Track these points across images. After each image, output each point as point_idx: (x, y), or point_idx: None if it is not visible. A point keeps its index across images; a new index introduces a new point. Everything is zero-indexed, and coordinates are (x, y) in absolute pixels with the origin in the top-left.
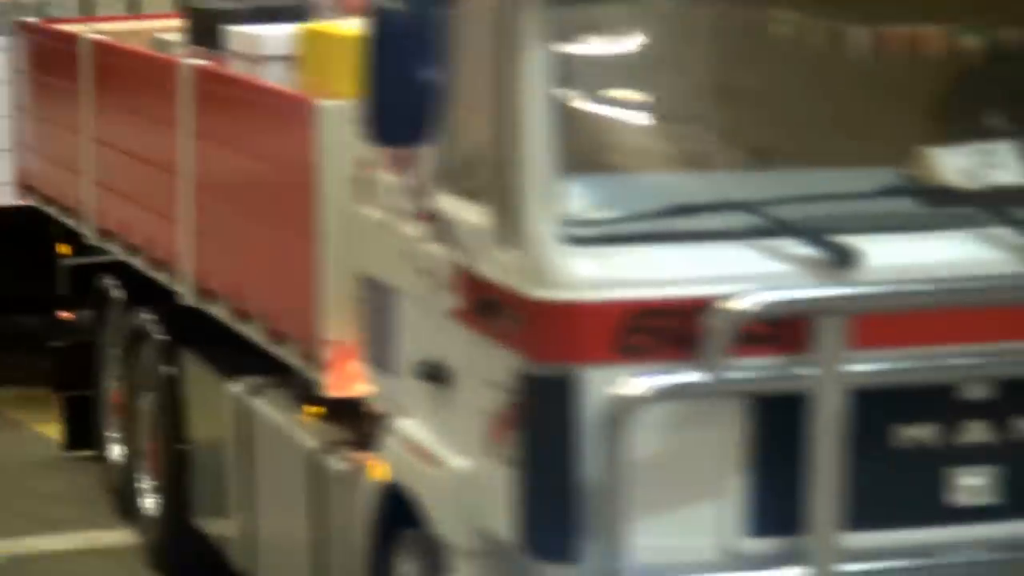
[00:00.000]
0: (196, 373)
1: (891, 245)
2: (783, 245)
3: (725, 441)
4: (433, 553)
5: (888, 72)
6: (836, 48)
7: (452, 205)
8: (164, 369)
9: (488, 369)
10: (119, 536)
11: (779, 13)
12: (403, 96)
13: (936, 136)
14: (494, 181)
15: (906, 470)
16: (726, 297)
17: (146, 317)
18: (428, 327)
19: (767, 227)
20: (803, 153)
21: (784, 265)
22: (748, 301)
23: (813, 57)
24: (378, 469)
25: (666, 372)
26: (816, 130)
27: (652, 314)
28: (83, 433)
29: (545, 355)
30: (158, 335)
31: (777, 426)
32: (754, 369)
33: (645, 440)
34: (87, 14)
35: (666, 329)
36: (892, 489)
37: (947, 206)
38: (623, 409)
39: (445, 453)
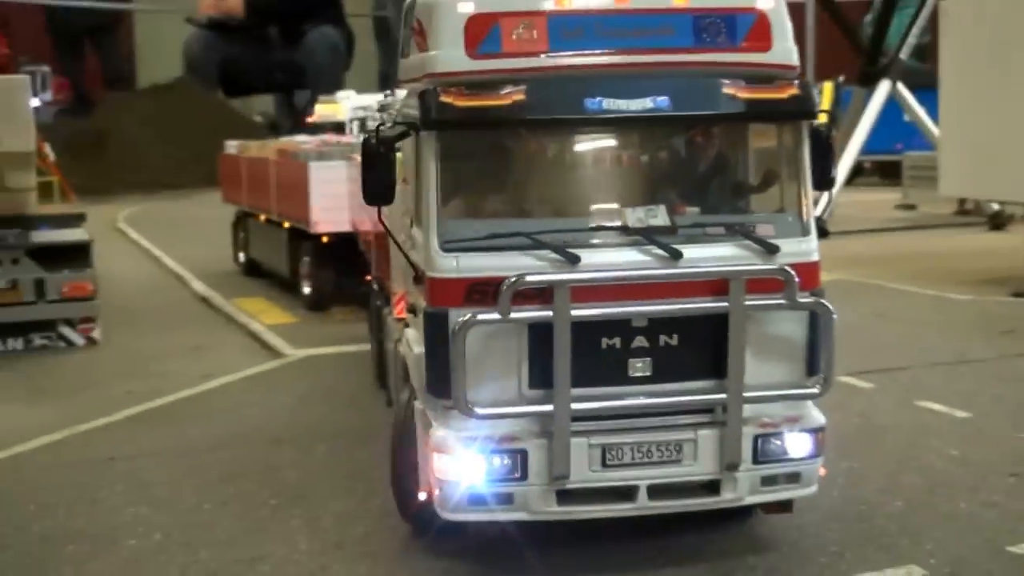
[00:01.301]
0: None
1: (597, 254)
2: (546, 254)
3: (520, 343)
4: (412, 391)
5: (617, 173)
6: (591, 160)
7: (414, 231)
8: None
9: (422, 308)
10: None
11: (561, 143)
12: (379, 184)
13: (634, 201)
14: (420, 220)
15: (610, 358)
16: (507, 278)
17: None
18: (410, 287)
19: (538, 245)
20: (567, 211)
21: (541, 262)
22: (513, 280)
23: (578, 166)
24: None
25: (481, 312)
26: (576, 200)
27: (480, 285)
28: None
29: (433, 302)
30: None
31: (541, 338)
32: (525, 311)
33: (484, 342)
34: None
35: (486, 292)
36: (603, 368)
37: (627, 235)
38: (459, 328)
39: (415, 345)
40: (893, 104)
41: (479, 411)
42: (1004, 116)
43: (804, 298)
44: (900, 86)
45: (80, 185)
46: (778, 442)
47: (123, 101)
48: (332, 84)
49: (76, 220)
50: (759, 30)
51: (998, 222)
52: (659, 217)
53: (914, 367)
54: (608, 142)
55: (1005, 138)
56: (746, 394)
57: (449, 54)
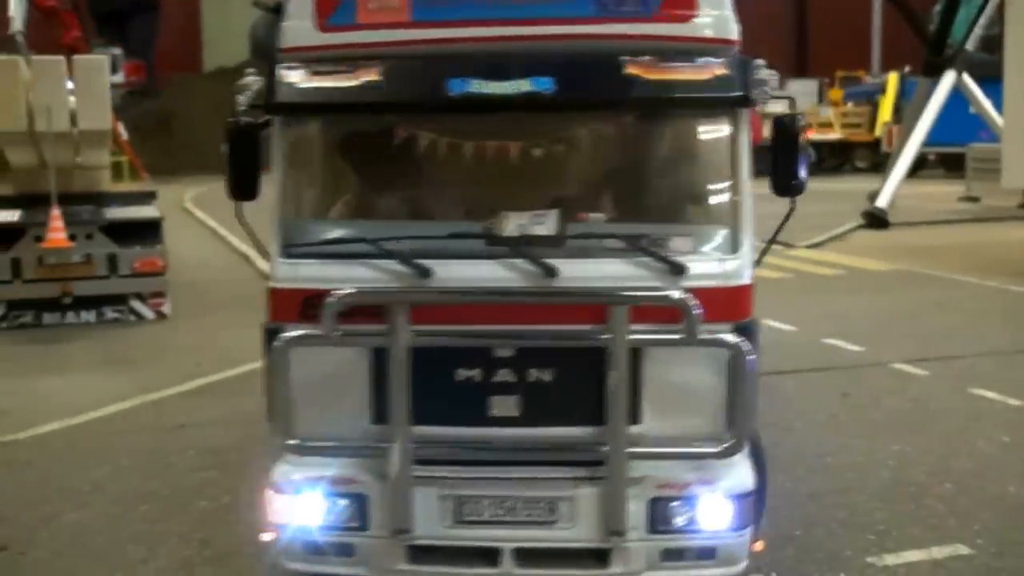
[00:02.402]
0: None
1: (457, 267)
2: (390, 264)
3: (359, 368)
4: None
5: (499, 171)
6: (467, 154)
7: None
8: None
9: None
10: None
11: (427, 133)
12: (239, 176)
13: (519, 205)
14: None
15: (467, 395)
16: (334, 292)
17: None
18: None
19: (385, 254)
20: (435, 215)
21: (380, 275)
22: (334, 297)
23: (450, 161)
24: None
25: (308, 329)
26: (447, 202)
27: (315, 299)
28: None
29: (271, 317)
30: None
31: (381, 362)
32: (358, 332)
33: (325, 366)
34: None
35: (318, 306)
36: (458, 405)
37: (494, 246)
38: (278, 347)
39: None
40: (960, 97)
41: (293, 443)
42: None
43: (723, 331)
44: (966, 77)
45: (148, 165)
46: (684, 509)
47: (190, 84)
48: None
49: (148, 198)
50: None
51: None
52: (545, 225)
53: (970, 356)
54: (487, 133)
55: None
56: (631, 449)
57: (298, 26)
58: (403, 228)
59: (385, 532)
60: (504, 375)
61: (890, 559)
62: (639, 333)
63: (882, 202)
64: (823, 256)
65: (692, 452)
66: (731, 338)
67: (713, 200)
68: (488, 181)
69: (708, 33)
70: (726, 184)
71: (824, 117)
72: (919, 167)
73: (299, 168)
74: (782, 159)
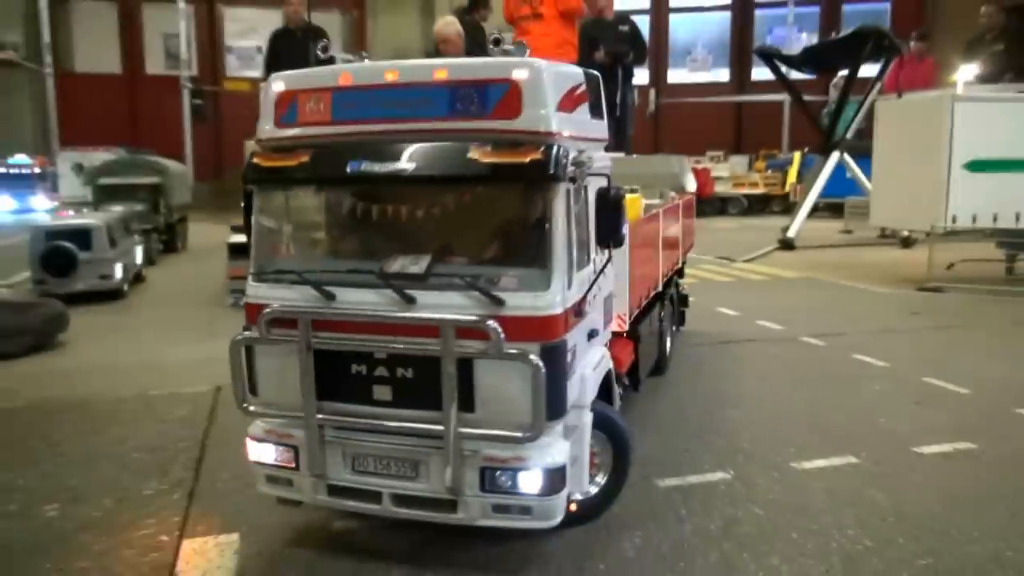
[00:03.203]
0: None
1: (353, 293)
2: (308, 289)
3: (293, 360)
4: None
5: (392, 226)
6: (371, 213)
7: None
8: None
9: None
10: None
11: (341, 198)
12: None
13: (404, 251)
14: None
15: (359, 383)
16: (268, 308)
17: None
18: None
19: (306, 282)
20: (349, 256)
21: (302, 297)
22: (267, 311)
23: (360, 218)
24: None
25: (248, 333)
26: (357, 247)
27: (262, 312)
28: None
29: (247, 320)
30: None
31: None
32: (282, 335)
33: (273, 358)
34: None
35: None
36: (354, 390)
37: (382, 279)
38: (234, 344)
39: None
40: (841, 167)
41: (250, 409)
42: (910, 177)
43: (532, 350)
44: (847, 156)
45: None
46: (505, 477)
47: None
48: None
49: None
50: (510, 99)
51: (906, 243)
52: (417, 265)
53: (852, 333)
54: (382, 198)
55: (910, 189)
56: (461, 429)
57: (265, 123)
58: (325, 264)
59: (309, 473)
60: (381, 371)
61: (806, 464)
62: (469, 347)
63: (791, 233)
64: (754, 267)
65: (503, 436)
66: (528, 354)
67: (533, 250)
68: (386, 232)
69: (529, 127)
70: (543, 238)
71: (752, 178)
72: (814, 211)
73: (265, 220)
74: (605, 220)
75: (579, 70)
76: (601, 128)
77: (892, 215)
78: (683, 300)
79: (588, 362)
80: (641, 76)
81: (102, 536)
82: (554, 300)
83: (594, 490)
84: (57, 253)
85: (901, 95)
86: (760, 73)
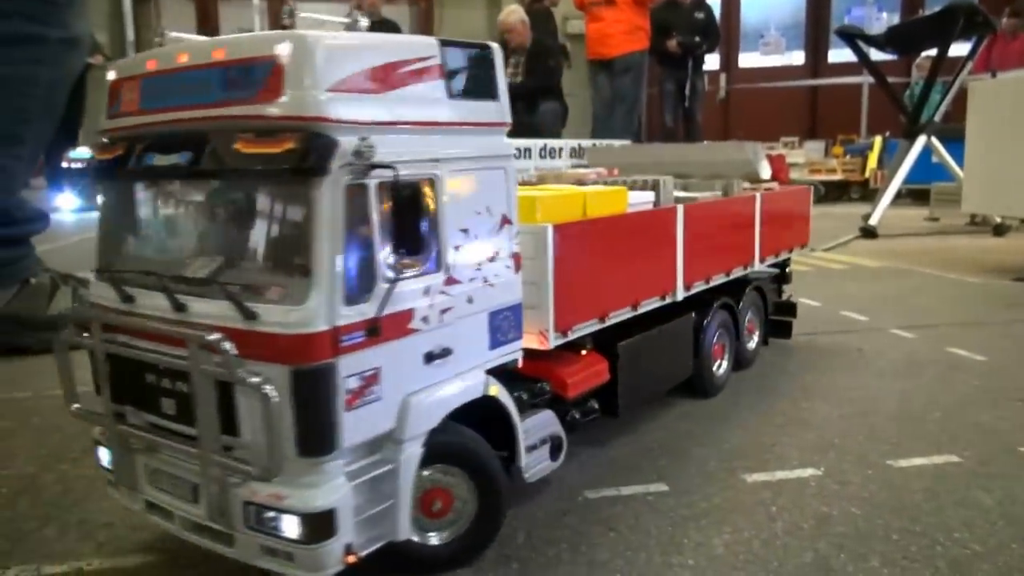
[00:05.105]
0: None
1: (147, 296)
2: (109, 290)
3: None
4: None
5: (194, 224)
6: (176, 209)
7: None
8: None
9: None
10: None
11: (147, 193)
12: None
13: (198, 251)
14: None
15: (151, 392)
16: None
17: None
18: None
19: (111, 281)
20: (162, 254)
21: (106, 297)
22: (67, 312)
23: (168, 215)
24: None
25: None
26: (166, 245)
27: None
28: None
29: None
30: None
31: (112, 359)
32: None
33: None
34: None
35: None
36: (149, 399)
37: (161, 283)
38: (59, 344)
39: None
40: (926, 151)
41: (72, 409)
42: (1005, 160)
43: (282, 373)
44: (934, 139)
45: None
46: (267, 516)
47: None
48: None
49: None
50: (273, 79)
51: (1000, 231)
52: (203, 269)
53: (943, 325)
54: (183, 195)
55: (1007, 174)
56: (207, 453)
57: (103, 114)
58: (136, 264)
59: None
60: (166, 382)
61: (903, 462)
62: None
63: (873, 220)
64: (834, 256)
65: (236, 467)
66: (253, 379)
67: (296, 257)
68: (188, 233)
69: (290, 111)
70: (307, 243)
71: (830, 164)
72: (896, 198)
73: (103, 214)
74: (401, 222)
75: (422, 40)
76: (486, 111)
77: (986, 201)
78: (785, 308)
79: (429, 389)
80: (711, 61)
81: None
82: (312, 316)
83: (435, 540)
84: None
85: (995, 74)
86: (836, 56)
